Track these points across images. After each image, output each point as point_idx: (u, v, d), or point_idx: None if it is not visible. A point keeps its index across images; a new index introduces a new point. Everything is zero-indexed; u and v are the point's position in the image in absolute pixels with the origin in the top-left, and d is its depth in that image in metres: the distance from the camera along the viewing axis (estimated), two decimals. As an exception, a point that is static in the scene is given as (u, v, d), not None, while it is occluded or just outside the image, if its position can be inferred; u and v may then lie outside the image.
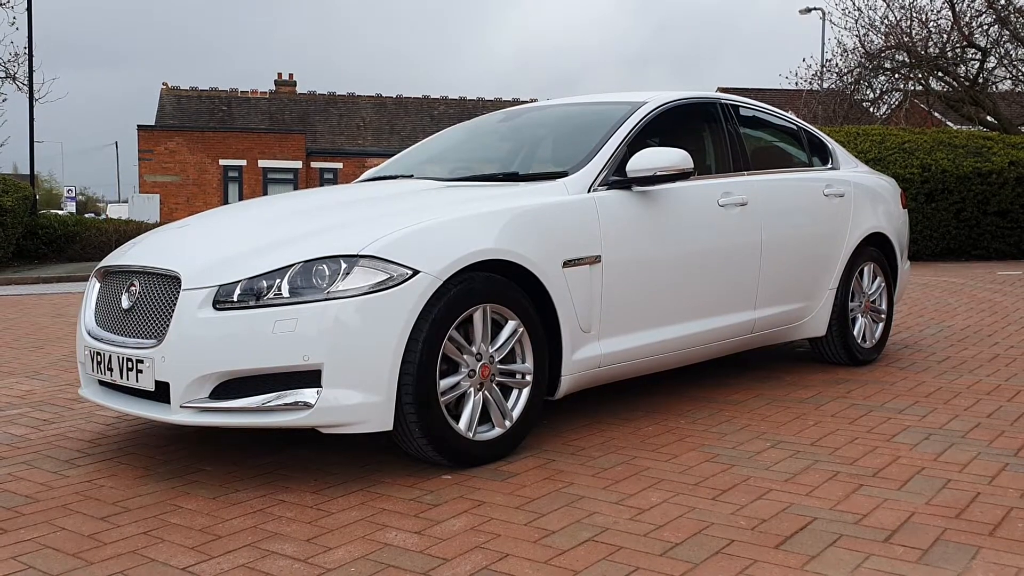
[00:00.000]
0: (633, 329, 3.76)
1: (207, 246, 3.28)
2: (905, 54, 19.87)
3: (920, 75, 20.00)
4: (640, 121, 4.05)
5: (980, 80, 19.81)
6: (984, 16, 19.12)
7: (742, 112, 4.70)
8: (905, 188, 11.86)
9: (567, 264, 3.47)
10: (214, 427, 3.26)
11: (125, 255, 3.49)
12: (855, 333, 4.97)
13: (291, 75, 39.63)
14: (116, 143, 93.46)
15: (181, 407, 2.99)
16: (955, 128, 16.99)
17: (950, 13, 19.20)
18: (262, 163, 34.51)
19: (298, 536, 2.60)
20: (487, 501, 2.87)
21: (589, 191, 3.68)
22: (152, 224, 20.08)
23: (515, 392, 3.34)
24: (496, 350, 3.25)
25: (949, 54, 19.61)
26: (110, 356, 3.21)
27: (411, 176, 4.30)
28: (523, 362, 3.34)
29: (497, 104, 39.71)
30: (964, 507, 2.76)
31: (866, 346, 5.05)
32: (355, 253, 3.00)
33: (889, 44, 20.01)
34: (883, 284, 5.19)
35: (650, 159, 3.74)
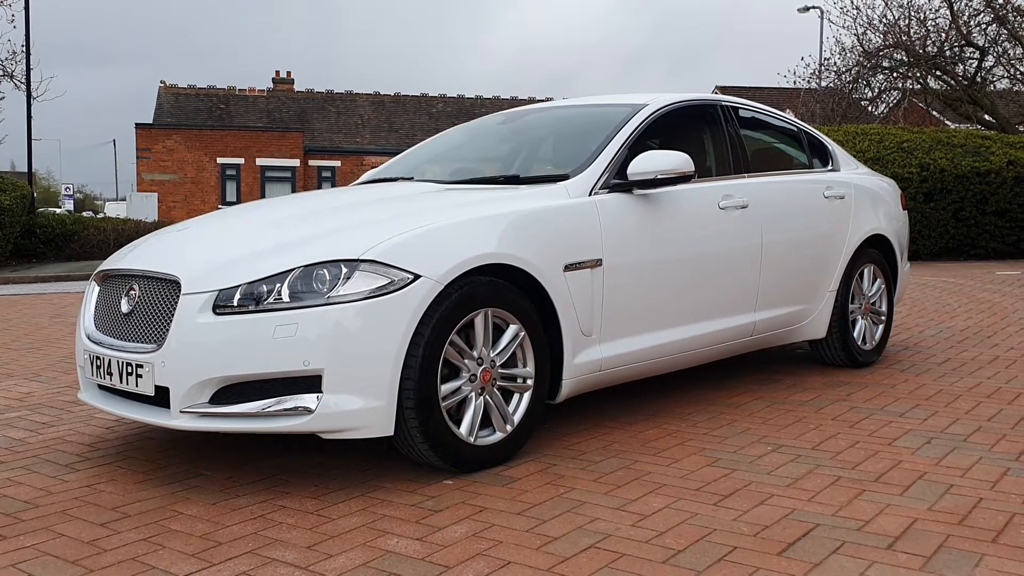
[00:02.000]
0: (634, 332, 3.75)
1: (207, 250, 3.26)
2: (903, 53, 19.88)
3: (918, 74, 20.02)
4: (641, 124, 4.04)
5: (978, 79, 19.82)
6: (982, 15, 19.15)
7: (742, 114, 4.70)
8: (904, 187, 11.85)
9: (568, 268, 3.46)
10: (214, 432, 3.25)
11: (125, 259, 3.48)
12: (855, 335, 4.97)
13: (289, 73, 39.55)
14: (114, 141, 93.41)
15: (181, 412, 2.98)
16: (953, 127, 16.99)
17: (948, 12, 19.22)
18: (260, 161, 34.46)
19: (299, 543, 2.59)
20: (488, 507, 2.86)
21: (590, 194, 3.67)
22: (150, 223, 20.05)
23: (516, 396, 3.33)
24: (497, 354, 3.24)
25: (947, 53, 19.63)
26: (110, 360, 3.20)
27: (411, 178, 4.29)
28: (524, 366, 3.33)
29: (496, 102, 39.67)
30: (966, 513, 2.75)
31: (866, 348, 5.04)
32: (356, 257, 2.99)
33: (887, 43, 20.03)
34: (883, 286, 5.19)
35: (651, 162, 3.73)
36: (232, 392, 2.96)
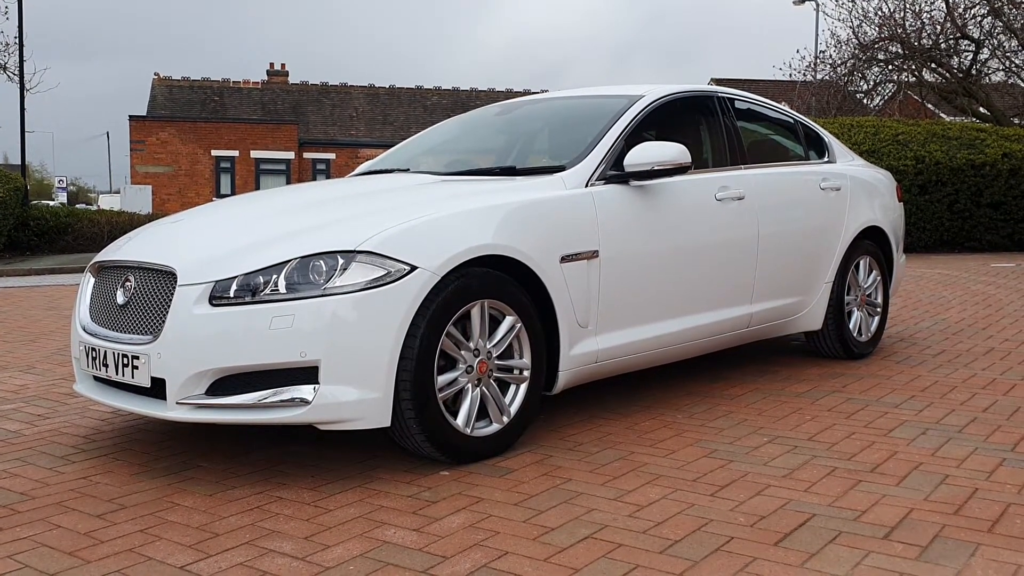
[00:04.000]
0: (630, 324, 3.75)
1: (203, 241, 3.26)
2: (899, 45, 19.87)
3: (913, 66, 20.01)
4: (637, 115, 4.03)
5: (973, 72, 19.83)
6: (977, 7, 19.14)
7: (739, 105, 4.69)
8: (899, 180, 11.86)
9: (565, 259, 3.45)
10: (211, 424, 3.24)
11: (120, 250, 3.47)
12: (851, 327, 4.98)
13: (283, 65, 39.44)
14: (107, 133, 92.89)
15: (177, 403, 2.97)
16: (948, 120, 16.99)
17: (943, 4, 19.20)
18: (254, 154, 34.38)
19: (296, 534, 2.59)
20: (485, 498, 2.86)
21: (587, 185, 3.67)
22: (144, 215, 19.98)
23: (513, 388, 3.33)
24: (494, 346, 3.24)
25: (942, 45, 19.63)
26: (105, 352, 3.19)
27: (407, 170, 4.28)
28: (521, 358, 3.33)
29: (490, 95, 39.61)
30: (962, 503, 2.76)
31: (862, 340, 5.05)
32: (352, 249, 2.98)
33: (883, 35, 20.01)
34: (879, 277, 5.20)
35: (648, 153, 3.72)
36: (228, 383, 2.95)
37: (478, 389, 3.21)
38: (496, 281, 3.22)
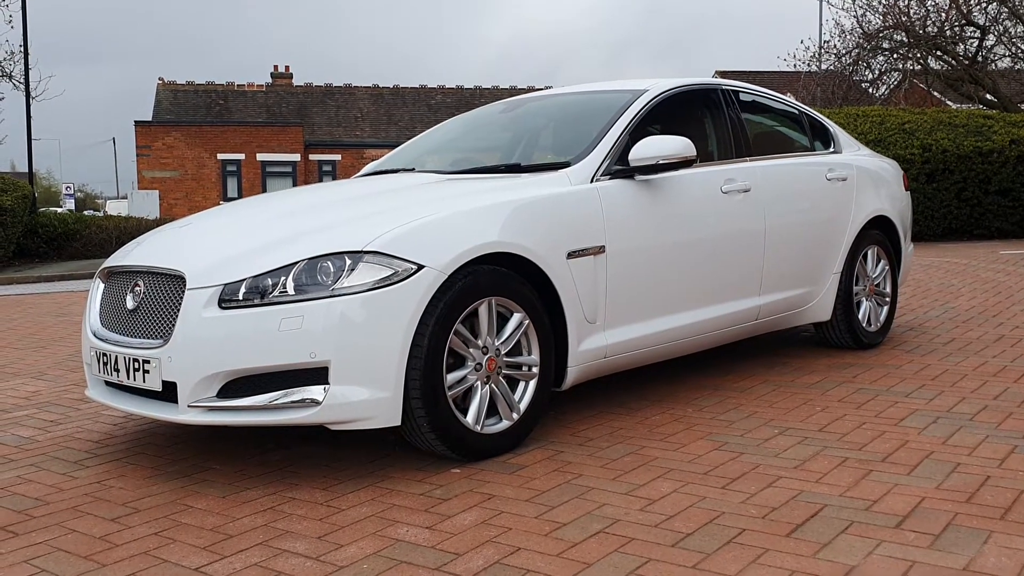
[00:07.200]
0: (638, 319, 3.76)
1: (211, 245, 3.27)
2: (903, 34, 19.79)
3: (919, 54, 19.93)
4: (641, 109, 4.03)
5: (979, 58, 19.74)
6: (982, -6, 19.04)
7: (743, 98, 4.69)
8: (906, 169, 11.82)
9: (571, 255, 3.46)
10: (222, 426, 3.25)
11: (129, 255, 3.48)
12: (860, 317, 4.97)
13: (287, 67, 39.51)
14: (113, 139, 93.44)
15: (189, 407, 2.99)
16: (955, 107, 16.92)
17: (948, -9, 19.12)
18: (260, 156, 34.45)
19: (310, 534, 2.60)
20: (497, 494, 2.87)
21: (592, 181, 3.67)
22: (152, 220, 20.06)
23: (522, 384, 3.34)
24: (502, 343, 3.25)
25: (948, 33, 19.54)
26: (116, 357, 3.21)
27: (412, 169, 4.29)
28: (529, 354, 3.34)
29: (494, 92, 39.60)
30: (974, 491, 2.76)
31: (871, 330, 5.04)
32: (359, 249, 2.99)
33: (887, 24, 19.94)
34: (887, 267, 5.18)
35: (652, 147, 3.72)
36: (239, 385, 2.97)
37: (487, 386, 3.21)
38: (503, 278, 3.22)
